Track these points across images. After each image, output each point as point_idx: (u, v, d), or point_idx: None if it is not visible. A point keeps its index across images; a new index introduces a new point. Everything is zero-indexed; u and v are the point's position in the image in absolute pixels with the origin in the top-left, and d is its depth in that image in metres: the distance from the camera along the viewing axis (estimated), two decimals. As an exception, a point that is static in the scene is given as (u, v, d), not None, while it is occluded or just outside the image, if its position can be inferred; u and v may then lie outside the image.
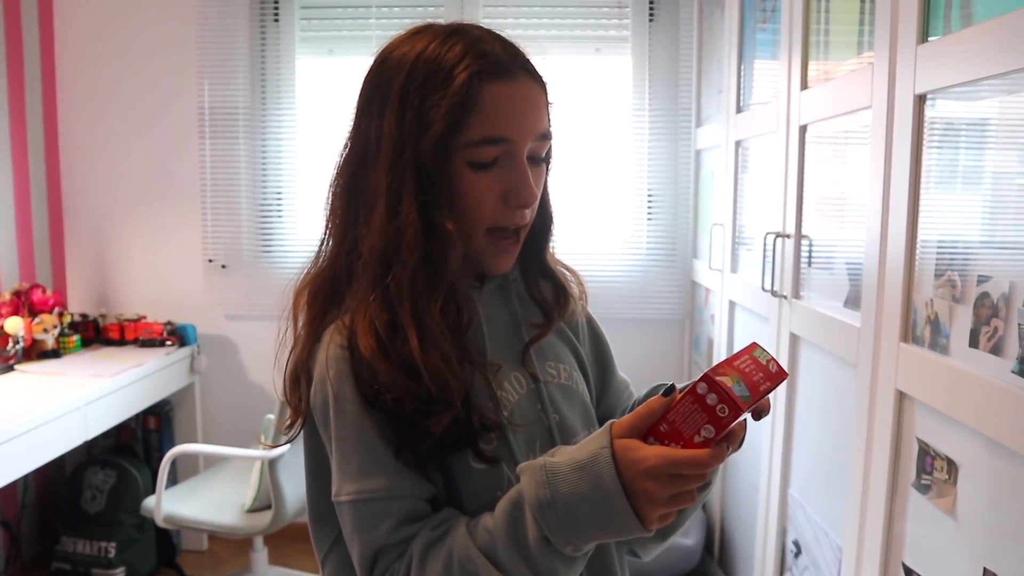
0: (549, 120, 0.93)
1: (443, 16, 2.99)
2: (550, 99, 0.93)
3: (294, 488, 2.43)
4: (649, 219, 3.15)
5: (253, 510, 2.48)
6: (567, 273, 1.07)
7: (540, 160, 0.92)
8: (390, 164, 0.86)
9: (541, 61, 0.92)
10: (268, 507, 2.44)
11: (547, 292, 1.03)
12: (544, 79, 0.92)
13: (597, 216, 3.14)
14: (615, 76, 3.12)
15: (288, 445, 2.31)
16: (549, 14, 3.09)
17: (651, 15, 3.07)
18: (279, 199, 3.16)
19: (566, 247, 1.07)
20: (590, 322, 1.10)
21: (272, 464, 2.36)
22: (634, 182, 3.12)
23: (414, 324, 0.84)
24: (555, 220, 1.03)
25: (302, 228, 3.16)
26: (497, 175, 0.88)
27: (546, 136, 0.92)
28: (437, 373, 0.83)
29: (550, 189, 1.00)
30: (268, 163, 3.14)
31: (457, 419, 0.83)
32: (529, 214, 0.92)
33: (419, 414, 0.82)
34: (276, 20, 3.10)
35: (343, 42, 3.13)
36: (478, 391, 0.88)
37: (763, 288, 2.01)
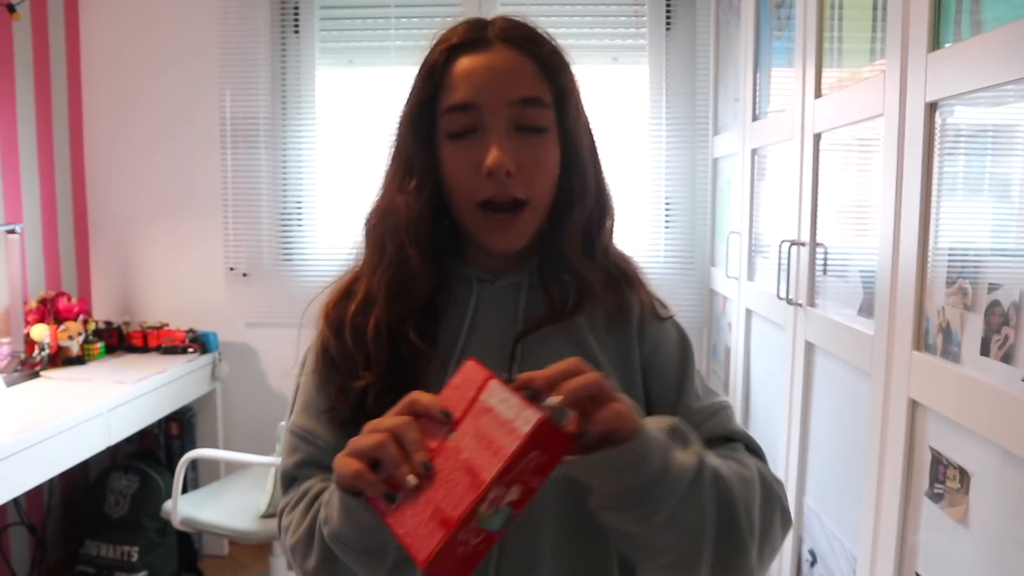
0: (549, 87, 0.88)
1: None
2: (551, 66, 0.89)
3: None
4: (667, 227, 3.15)
5: (268, 515, 2.50)
6: (621, 270, 0.97)
7: (534, 128, 0.88)
8: (392, 153, 0.94)
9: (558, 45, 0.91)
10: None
11: (561, 287, 0.93)
12: (538, 48, 0.89)
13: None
14: (632, 85, 3.13)
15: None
16: (566, 24, 3.11)
17: (668, 24, 3.08)
18: (299, 208, 3.20)
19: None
20: (659, 334, 0.97)
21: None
22: (652, 190, 3.13)
23: (364, 290, 0.92)
24: (596, 206, 0.94)
25: (322, 237, 3.19)
26: (471, 143, 0.87)
27: (532, 101, 0.87)
28: (358, 337, 0.89)
29: (587, 168, 0.93)
30: (288, 173, 3.18)
31: (376, 390, 0.86)
32: (516, 186, 0.87)
33: (347, 376, 0.89)
34: (296, 31, 3.14)
35: (362, 52, 3.16)
36: (428, 378, 0.87)
37: (778, 296, 2.01)
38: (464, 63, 0.88)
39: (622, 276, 0.97)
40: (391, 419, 0.69)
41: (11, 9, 2.79)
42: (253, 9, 3.07)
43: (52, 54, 3.07)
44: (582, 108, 0.94)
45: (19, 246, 2.78)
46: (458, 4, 3.07)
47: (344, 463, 0.69)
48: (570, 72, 0.92)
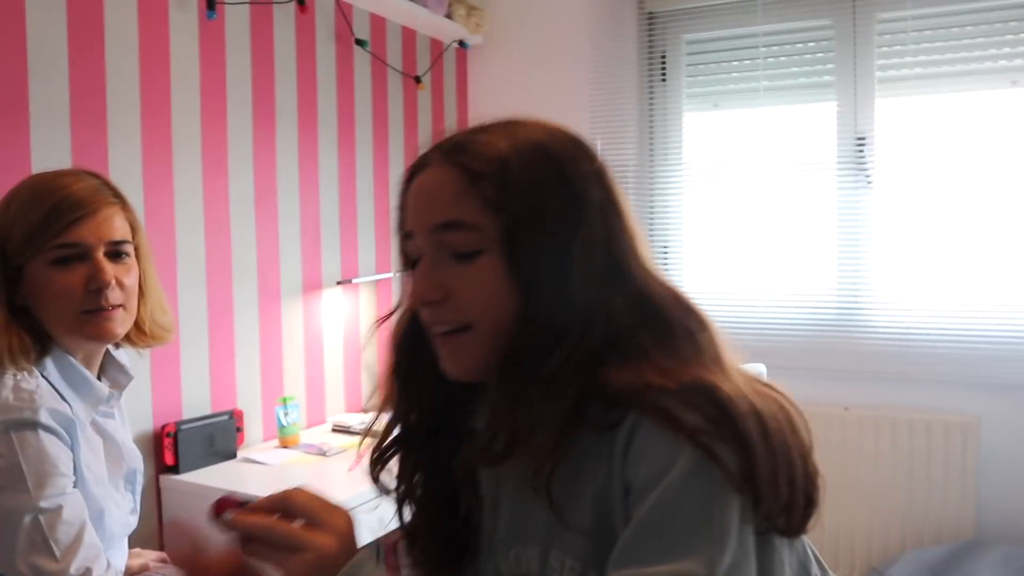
0: (483, 202, 0.80)
1: (832, 61, 2.89)
2: (487, 178, 0.81)
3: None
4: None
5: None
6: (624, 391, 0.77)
7: (460, 255, 0.82)
8: None
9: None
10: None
11: (493, 427, 0.82)
12: (470, 159, 0.82)
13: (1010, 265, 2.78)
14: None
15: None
16: (953, 48, 2.83)
17: (1084, 37, 2.69)
18: (665, 253, 3.23)
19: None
20: (653, 450, 0.75)
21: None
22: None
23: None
24: (552, 330, 0.80)
25: (687, 281, 3.20)
26: (413, 275, 0.86)
27: (449, 226, 0.82)
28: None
29: (542, 292, 0.80)
30: (655, 217, 3.24)
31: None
32: (447, 313, 0.83)
33: None
34: (663, 80, 3.21)
35: (728, 95, 3.15)
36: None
37: None
38: (412, 187, 0.87)
39: (622, 397, 0.78)
40: None
41: (418, 80, 3.19)
42: (622, 61, 3.19)
43: (446, 117, 3.44)
44: (569, 222, 0.81)
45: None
46: (829, 38, 2.94)
47: None
48: (540, 183, 0.82)
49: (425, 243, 0.84)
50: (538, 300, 0.80)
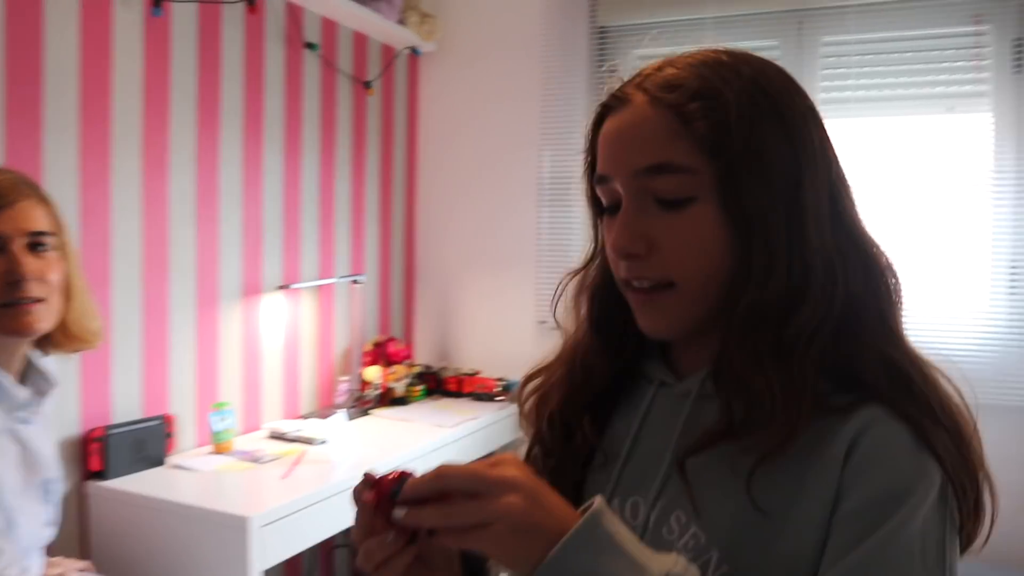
0: (698, 144, 0.72)
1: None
2: (702, 117, 0.72)
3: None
4: (1011, 293, 2.80)
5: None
6: (875, 375, 0.70)
7: (669, 202, 0.73)
8: None
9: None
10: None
11: (730, 399, 0.73)
12: (680, 97, 0.73)
13: (942, 287, 2.85)
14: (971, 136, 2.84)
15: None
16: (894, 73, 2.90)
17: (1017, 66, 2.77)
18: (607, 264, 3.25)
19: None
20: (879, 459, 0.67)
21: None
22: (993, 251, 2.80)
23: (546, 377, 0.91)
24: (791, 290, 0.71)
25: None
26: (613, 220, 0.77)
27: (659, 168, 0.72)
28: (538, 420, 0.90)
29: (774, 243, 0.71)
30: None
31: (551, 471, 0.86)
32: (650, 267, 0.74)
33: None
34: (611, 94, 3.24)
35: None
36: (593, 471, 0.85)
37: None
38: (606, 127, 0.78)
39: (863, 379, 0.71)
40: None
41: (367, 86, 3.17)
42: (573, 73, 3.22)
43: (395, 124, 3.42)
44: (793, 163, 0.73)
45: (361, 295, 3.10)
46: (777, 59, 2.98)
47: None
48: (759, 119, 0.73)
49: (626, 188, 0.75)
50: (768, 253, 0.71)
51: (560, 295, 0.90)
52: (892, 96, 2.90)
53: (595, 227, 0.86)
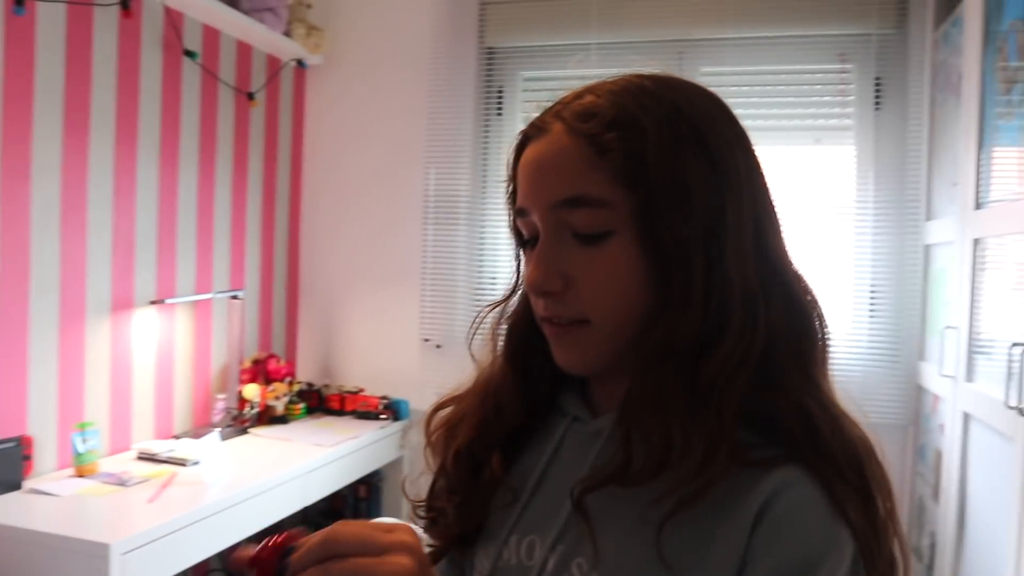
0: (615, 176, 0.69)
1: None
2: (617, 147, 0.69)
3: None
4: (872, 316, 2.96)
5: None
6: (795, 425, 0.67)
7: (586, 236, 0.71)
8: None
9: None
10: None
11: (640, 439, 0.69)
12: (597, 125, 0.70)
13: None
14: (837, 167, 3.01)
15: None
16: (767, 104, 3.05)
17: (877, 103, 2.95)
18: (494, 284, 3.28)
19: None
20: (792, 521, 0.65)
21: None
22: (855, 277, 2.97)
23: (456, 410, 0.88)
24: (704, 327, 0.68)
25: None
26: (531, 254, 0.75)
27: (574, 201, 0.70)
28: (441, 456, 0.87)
29: (691, 277, 0.68)
30: (485, 249, 3.28)
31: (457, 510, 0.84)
32: (566, 304, 0.72)
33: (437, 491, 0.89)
34: (499, 114, 3.27)
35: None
36: (496, 509, 0.81)
37: (1007, 405, 1.82)
38: (524, 157, 0.76)
39: (782, 430, 0.68)
40: None
41: (251, 97, 3.10)
42: (460, 92, 3.23)
43: (280, 137, 3.36)
44: (715, 193, 0.69)
45: (240, 310, 3.01)
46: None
47: None
48: (679, 148, 0.69)
49: (544, 222, 0.72)
50: (686, 288, 0.68)
51: (478, 327, 0.87)
52: (764, 127, 3.04)
53: (517, 259, 0.83)
